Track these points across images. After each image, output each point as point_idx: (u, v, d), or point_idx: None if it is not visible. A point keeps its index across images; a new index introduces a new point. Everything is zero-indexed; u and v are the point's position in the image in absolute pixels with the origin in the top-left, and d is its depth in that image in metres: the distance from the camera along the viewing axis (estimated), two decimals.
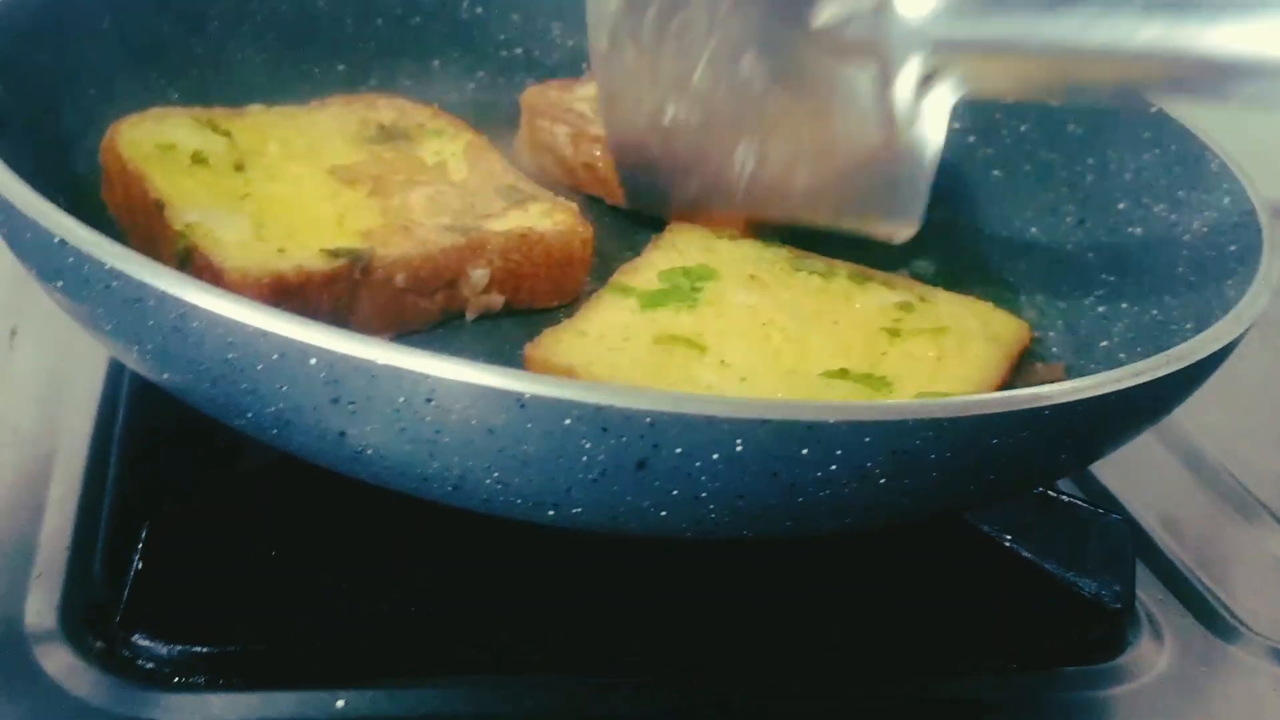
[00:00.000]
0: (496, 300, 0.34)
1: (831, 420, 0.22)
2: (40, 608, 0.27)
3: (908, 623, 0.30)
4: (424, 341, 0.33)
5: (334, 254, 0.32)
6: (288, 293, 0.31)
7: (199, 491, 0.29)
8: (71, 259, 0.24)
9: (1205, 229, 0.35)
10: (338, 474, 0.25)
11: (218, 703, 0.26)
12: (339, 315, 0.32)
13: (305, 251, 0.32)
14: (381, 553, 0.29)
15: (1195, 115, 0.37)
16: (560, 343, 0.32)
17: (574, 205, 0.36)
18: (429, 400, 0.22)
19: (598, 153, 0.40)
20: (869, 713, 0.28)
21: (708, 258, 0.36)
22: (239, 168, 0.35)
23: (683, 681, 0.27)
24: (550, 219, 0.35)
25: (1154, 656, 0.30)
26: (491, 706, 0.26)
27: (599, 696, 0.27)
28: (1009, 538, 0.32)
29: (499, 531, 0.26)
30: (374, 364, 0.22)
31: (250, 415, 0.24)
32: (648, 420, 0.22)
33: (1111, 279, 0.38)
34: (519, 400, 0.22)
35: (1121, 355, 0.35)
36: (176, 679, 0.26)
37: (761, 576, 0.30)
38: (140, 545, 0.26)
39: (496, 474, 0.23)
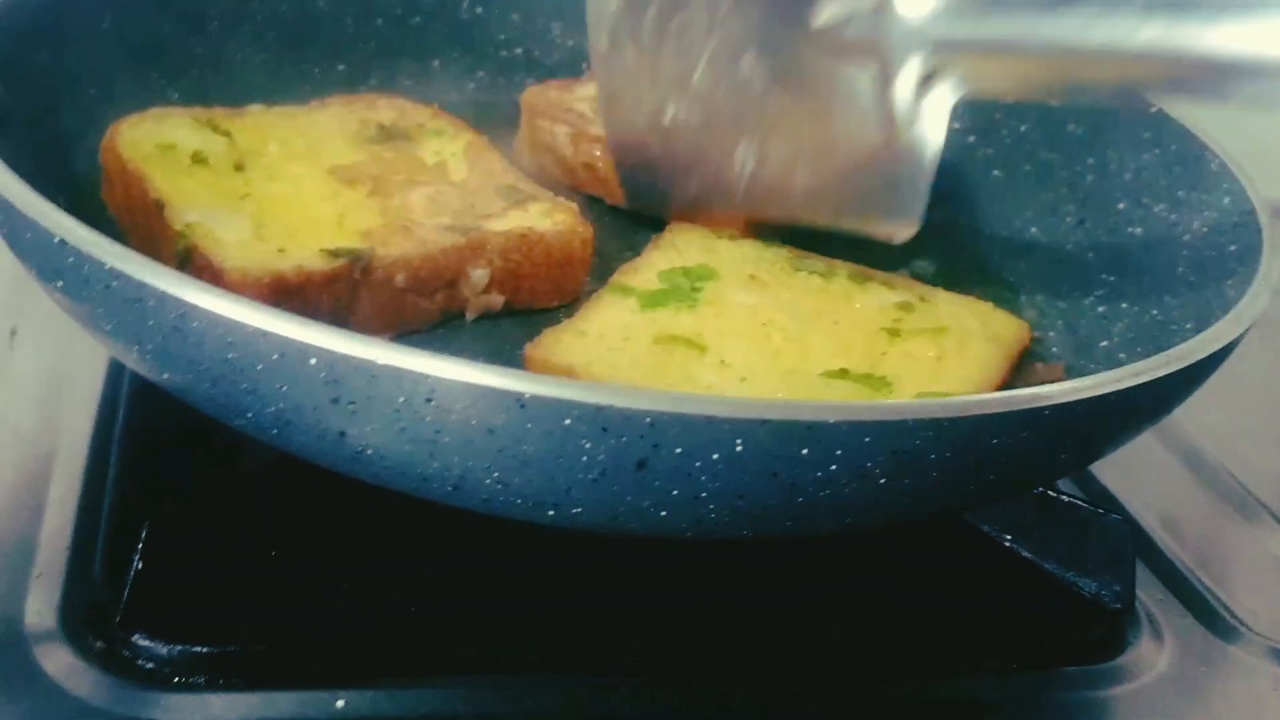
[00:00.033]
0: (496, 300, 0.35)
1: (831, 420, 0.22)
2: (40, 607, 0.27)
3: (908, 622, 0.30)
4: (424, 342, 0.33)
5: (334, 254, 0.32)
6: (288, 293, 0.31)
7: (199, 491, 0.29)
8: (72, 259, 0.24)
9: (1205, 229, 0.35)
10: (338, 474, 0.25)
11: (218, 703, 0.26)
12: (339, 315, 0.32)
13: (305, 251, 0.32)
14: (381, 553, 0.29)
15: (1195, 115, 0.37)
16: (560, 343, 0.32)
17: (574, 205, 0.36)
18: (429, 400, 0.22)
19: (598, 153, 0.40)
20: (869, 712, 0.28)
21: (708, 258, 0.36)
22: (239, 168, 0.35)
23: (683, 681, 0.27)
24: (550, 219, 0.35)
25: (1154, 656, 0.30)
26: (491, 706, 0.26)
27: (599, 696, 0.27)
28: (1009, 538, 0.32)
29: (499, 532, 0.26)
30: (374, 364, 0.22)
31: (250, 415, 0.24)
32: (648, 420, 0.22)
33: (1111, 279, 0.38)
34: (519, 400, 0.22)
35: (1121, 355, 0.35)
36: (176, 679, 0.26)
37: (761, 576, 0.30)
38: (140, 545, 0.26)
39: (496, 474, 0.23)
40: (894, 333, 0.34)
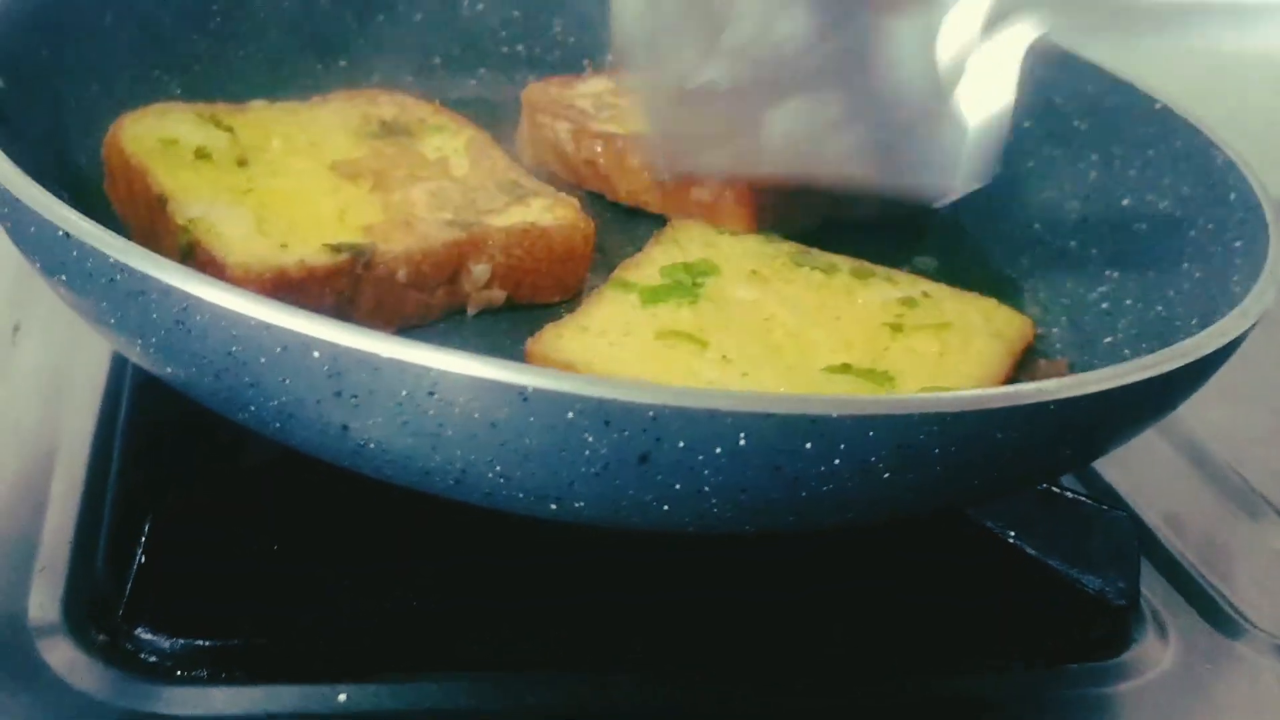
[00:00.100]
0: (498, 295, 0.34)
1: (835, 414, 0.22)
2: (43, 601, 0.27)
3: (910, 620, 0.30)
4: (425, 337, 0.33)
5: (336, 249, 0.32)
6: (290, 288, 0.31)
7: (201, 486, 0.29)
8: (75, 252, 0.25)
9: (1210, 225, 0.35)
10: (340, 469, 0.25)
11: (220, 696, 0.26)
12: (341, 310, 0.32)
13: (307, 247, 0.32)
14: (383, 549, 0.29)
15: (1200, 110, 0.37)
16: (561, 338, 0.31)
17: (575, 201, 0.36)
18: (431, 393, 0.22)
19: (599, 149, 0.40)
20: (871, 710, 0.28)
21: (709, 253, 0.36)
22: (242, 163, 0.35)
23: (685, 679, 0.27)
24: (552, 214, 0.35)
25: (1158, 653, 0.30)
26: (493, 701, 0.26)
27: (600, 693, 0.27)
28: (1012, 534, 0.32)
29: (501, 528, 0.26)
30: (377, 357, 0.22)
31: (253, 409, 0.24)
32: (650, 414, 0.22)
33: (1116, 275, 0.37)
34: (521, 393, 0.22)
35: (1126, 351, 0.35)
36: (179, 672, 0.26)
37: (764, 574, 0.30)
38: (143, 539, 0.26)
39: (499, 468, 0.23)
40: (897, 328, 0.33)
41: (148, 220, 0.33)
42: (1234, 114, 0.35)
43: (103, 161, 0.35)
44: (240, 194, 0.33)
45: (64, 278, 0.26)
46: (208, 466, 0.31)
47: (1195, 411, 0.31)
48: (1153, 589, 0.32)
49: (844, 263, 0.36)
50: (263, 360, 0.23)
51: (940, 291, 0.36)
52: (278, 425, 0.24)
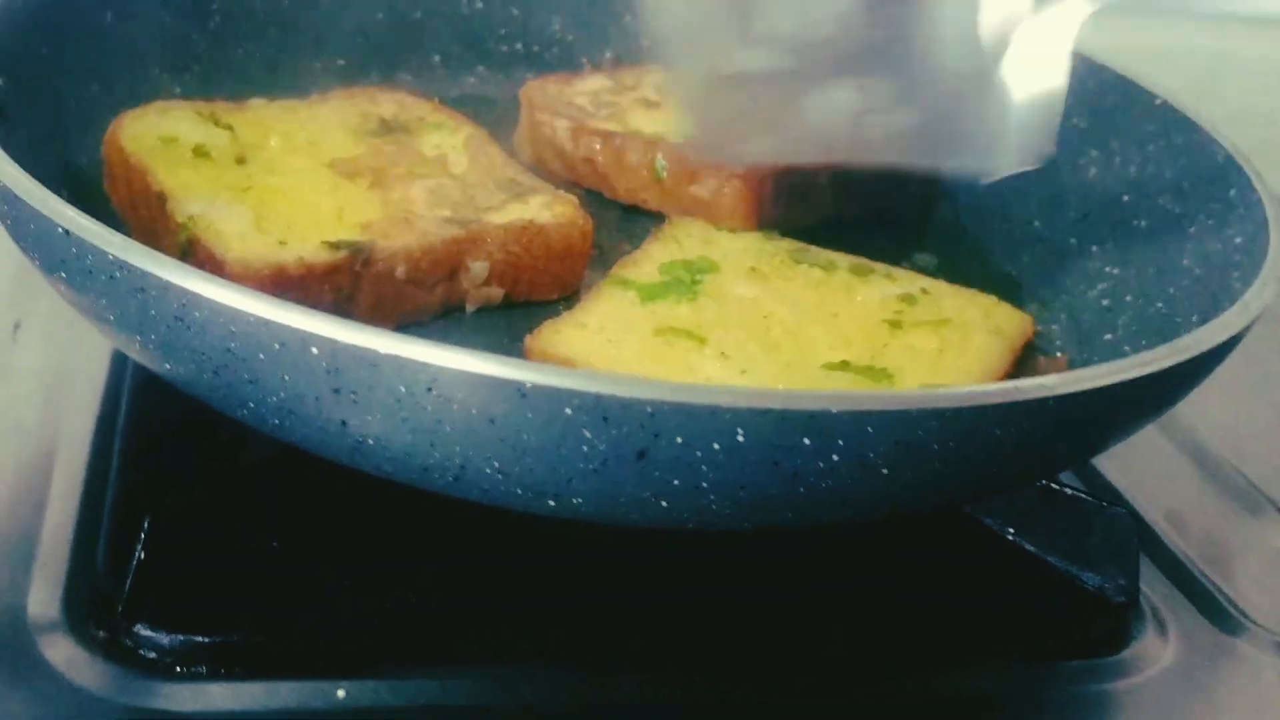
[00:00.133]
0: (496, 293, 0.34)
1: (834, 410, 0.22)
2: (44, 598, 0.27)
3: (910, 618, 0.30)
4: (424, 334, 0.33)
5: (335, 246, 0.32)
6: (289, 285, 0.31)
7: (201, 483, 0.29)
8: (75, 249, 0.25)
9: (1211, 221, 0.35)
10: (339, 466, 0.25)
11: (219, 692, 0.26)
12: (340, 308, 0.32)
13: (306, 244, 0.32)
14: (383, 547, 0.29)
15: (1200, 106, 0.37)
16: (560, 335, 0.31)
17: (574, 198, 0.36)
18: (430, 389, 0.22)
19: (597, 146, 0.40)
20: (871, 710, 0.27)
21: (708, 250, 0.36)
22: (241, 161, 0.35)
23: (685, 679, 0.27)
24: (550, 211, 0.35)
25: (1158, 651, 0.30)
26: (492, 697, 0.26)
27: (600, 690, 0.27)
28: (1012, 531, 0.32)
29: (502, 528, 0.26)
30: (375, 353, 0.22)
31: (252, 406, 0.24)
32: (648, 409, 0.22)
33: (1115, 272, 0.37)
34: (520, 389, 0.22)
35: (1126, 348, 0.35)
36: (178, 668, 0.26)
37: (764, 574, 0.30)
38: (143, 536, 0.26)
39: (497, 464, 0.23)
40: (895, 325, 0.33)
41: (147, 218, 0.33)
42: (1234, 111, 0.35)
43: (102, 160, 0.35)
44: (239, 192, 0.33)
45: (64, 275, 0.26)
46: (207, 464, 0.31)
47: (1195, 408, 0.30)
48: (1152, 586, 0.32)
49: (843, 260, 0.36)
50: (261, 356, 0.23)
51: (939, 288, 0.36)
52: (276, 422, 0.24)
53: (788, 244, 0.37)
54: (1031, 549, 0.32)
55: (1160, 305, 0.35)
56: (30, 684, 0.25)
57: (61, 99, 0.35)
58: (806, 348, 0.32)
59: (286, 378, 0.23)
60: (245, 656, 0.26)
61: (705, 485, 0.23)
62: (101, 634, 0.26)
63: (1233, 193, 0.35)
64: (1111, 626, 0.30)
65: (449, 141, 0.38)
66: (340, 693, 0.26)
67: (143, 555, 0.26)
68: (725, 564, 0.29)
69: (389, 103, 0.39)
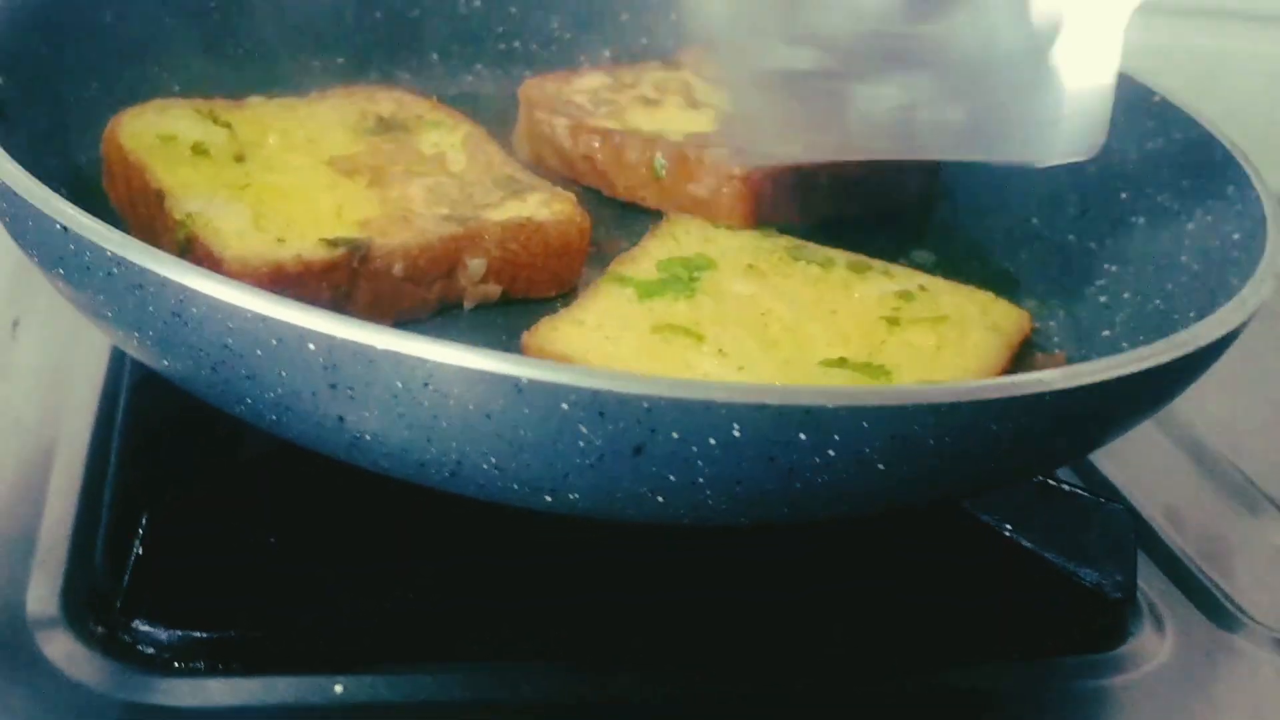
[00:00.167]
0: (494, 290, 0.35)
1: (830, 405, 0.22)
2: (42, 594, 0.27)
3: (908, 616, 0.30)
4: (421, 331, 0.33)
5: (333, 244, 0.32)
6: (287, 282, 0.31)
7: (199, 480, 0.29)
8: (73, 246, 0.25)
9: (1209, 217, 0.35)
10: (337, 462, 0.25)
11: (217, 687, 0.26)
12: (338, 305, 0.32)
13: (304, 241, 0.32)
14: (382, 545, 0.29)
15: (1199, 103, 0.37)
16: (557, 331, 0.31)
17: (572, 195, 0.36)
18: (427, 385, 0.22)
19: (596, 144, 0.40)
20: (871, 708, 0.27)
21: (705, 247, 0.36)
22: (239, 159, 0.35)
23: (685, 679, 0.27)
24: (548, 209, 0.35)
25: (1156, 647, 0.30)
26: (489, 693, 0.26)
27: (600, 693, 0.27)
28: (1009, 527, 0.32)
29: (501, 526, 0.26)
30: (372, 349, 0.22)
31: (249, 401, 0.24)
32: (644, 405, 0.22)
33: (1113, 268, 0.37)
34: (516, 385, 0.22)
35: (1124, 345, 0.35)
36: (176, 664, 0.26)
37: (763, 574, 0.30)
38: (141, 533, 0.27)
39: (494, 459, 0.23)
40: (893, 322, 0.33)
41: (146, 216, 0.34)
42: (1232, 109, 0.35)
43: (101, 157, 0.35)
44: (238, 189, 0.34)
45: (62, 271, 0.26)
46: (205, 460, 0.31)
47: (1193, 404, 0.31)
48: (1150, 582, 0.32)
49: (841, 257, 0.36)
50: (259, 352, 0.23)
51: (937, 285, 0.36)
52: (274, 418, 0.24)
53: (785, 241, 0.37)
54: (1029, 545, 0.32)
55: (1158, 302, 0.35)
56: (29, 679, 0.25)
57: (61, 98, 0.35)
58: (804, 345, 0.32)
59: (284, 373, 0.23)
60: (243, 652, 0.26)
61: (701, 480, 0.23)
62: (100, 630, 0.26)
63: (1231, 190, 0.35)
64: (1109, 623, 0.30)
65: (447, 139, 0.38)
66: (337, 688, 0.26)
67: (141, 551, 0.26)
68: (725, 563, 0.29)
69: (387, 101, 0.39)
